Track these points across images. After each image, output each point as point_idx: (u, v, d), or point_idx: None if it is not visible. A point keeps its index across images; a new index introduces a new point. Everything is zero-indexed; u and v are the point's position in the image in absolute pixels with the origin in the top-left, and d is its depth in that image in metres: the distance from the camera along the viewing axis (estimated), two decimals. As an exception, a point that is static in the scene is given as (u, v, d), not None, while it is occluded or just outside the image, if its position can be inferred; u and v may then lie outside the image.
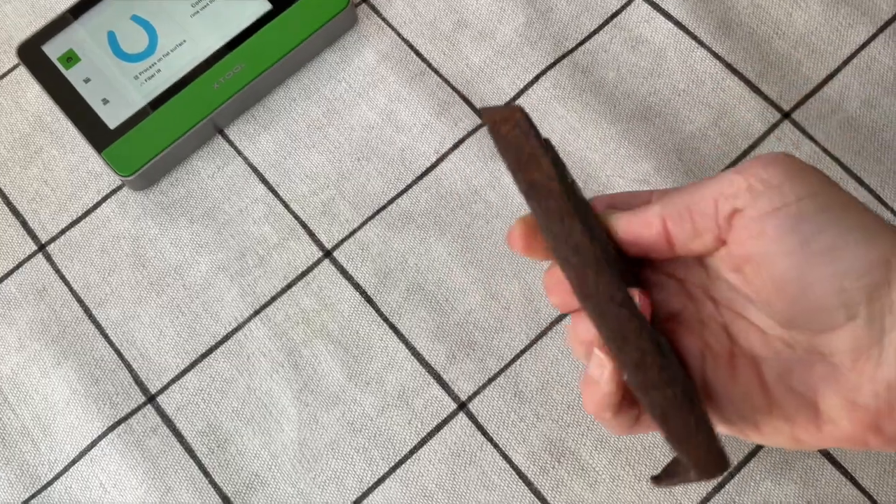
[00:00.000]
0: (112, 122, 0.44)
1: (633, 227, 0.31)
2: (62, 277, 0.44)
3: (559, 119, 0.44)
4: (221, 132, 0.46)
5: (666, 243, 0.31)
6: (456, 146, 0.45)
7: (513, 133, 0.29)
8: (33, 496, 0.41)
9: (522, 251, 0.32)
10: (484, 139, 0.44)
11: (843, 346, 0.28)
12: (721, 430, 0.32)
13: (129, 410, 0.41)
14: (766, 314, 0.30)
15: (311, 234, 0.44)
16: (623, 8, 0.46)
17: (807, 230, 0.28)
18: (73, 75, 0.45)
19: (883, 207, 0.42)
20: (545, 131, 0.44)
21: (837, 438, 0.30)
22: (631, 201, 0.33)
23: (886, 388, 0.28)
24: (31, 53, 0.45)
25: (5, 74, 0.48)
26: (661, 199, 0.31)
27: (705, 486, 0.38)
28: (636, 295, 0.30)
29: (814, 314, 0.28)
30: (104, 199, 0.45)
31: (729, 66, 0.44)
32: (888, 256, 0.28)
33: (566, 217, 0.28)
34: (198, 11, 0.46)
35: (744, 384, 0.31)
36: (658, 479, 0.32)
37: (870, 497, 0.38)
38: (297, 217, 0.44)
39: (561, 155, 0.44)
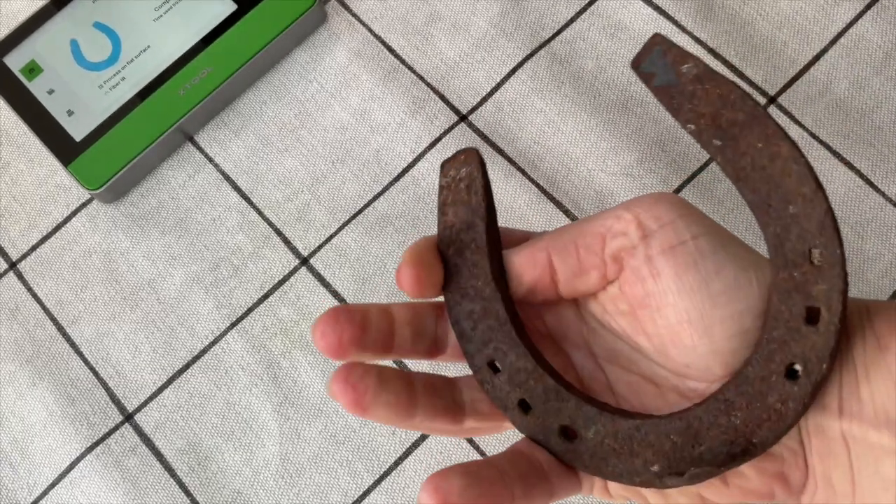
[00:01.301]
0: (77, 134, 0.43)
1: (521, 262, 0.29)
2: (34, 296, 0.43)
3: (538, 113, 0.43)
4: (191, 139, 0.45)
5: (551, 282, 0.28)
6: (433, 145, 0.43)
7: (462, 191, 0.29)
8: (13, 521, 0.40)
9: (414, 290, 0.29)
10: (462, 137, 0.43)
11: (703, 390, 0.27)
12: (617, 499, 0.30)
13: (107, 430, 0.41)
14: (658, 364, 0.28)
15: (287, 242, 0.43)
16: (600, -6, 0.45)
17: (706, 269, 0.26)
18: (36, 87, 0.44)
19: (874, 191, 0.40)
20: (524, 127, 0.43)
21: (745, 492, 0.28)
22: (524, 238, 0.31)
23: (794, 434, 0.27)
24: (-8, 66, 0.44)
25: (-32, 88, 0.47)
26: (549, 234, 0.29)
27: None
28: None
29: (713, 358, 0.27)
30: (74, 213, 0.44)
31: (711, 51, 0.43)
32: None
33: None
34: (161, 15, 0.44)
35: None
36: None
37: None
38: (271, 224, 0.43)
39: (540, 150, 0.43)
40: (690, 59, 0.28)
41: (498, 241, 0.29)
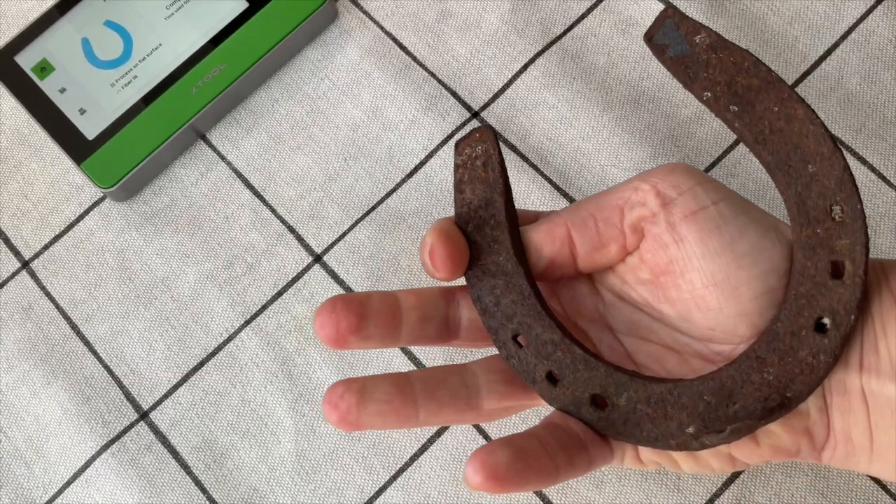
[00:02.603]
0: (90, 132, 0.43)
1: (540, 237, 0.29)
2: (48, 294, 0.43)
3: (550, 109, 0.43)
4: (203, 137, 0.45)
5: (570, 256, 0.29)
6: (445, 141, 0.43)
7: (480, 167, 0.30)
8: (29, 520, 0.40)
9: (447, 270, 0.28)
10: (473, 133, 0.43)
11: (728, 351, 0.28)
12: (649, 466, 0.30)
13: (122, 428, 0.41)
14: (680, 331, 0.29)
15: (300, 239, 0.43)
16: (611, -10, 0.45)
17: (729, 232, 0.27)
18: (47, 86, 0.44)
19: (887, 186, 0.40)
20: (536, 123, 0.43)
21: (775, 449, 0.28)
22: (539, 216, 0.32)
23: (818, 391, 0.27)
24: (4, 65, 0.44)
25: (-21, 87, 0.47)
26: (566, 209, 0.29)
27: (714, 482, 0.37)
28: None
29: (739, 320, 0.27)
30: (86, 211, 0.44)
31: (723, 46, 0.43)
32: (789, 252, 0.28)
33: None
34: (172, 13, 0.44)
35: None
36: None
37: (883, 486, 0.37)
38: (284, 222, 0.43)
39: (553, 146, 0.43)
40: (703, 29, 0.28)
41: (516, 218, 0.30)
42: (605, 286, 0.30)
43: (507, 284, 0.29)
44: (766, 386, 0.27)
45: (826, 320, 0.27)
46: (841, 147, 0.41)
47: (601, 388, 0.28)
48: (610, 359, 0.30)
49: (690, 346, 0.29)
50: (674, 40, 0.28)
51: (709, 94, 0.28)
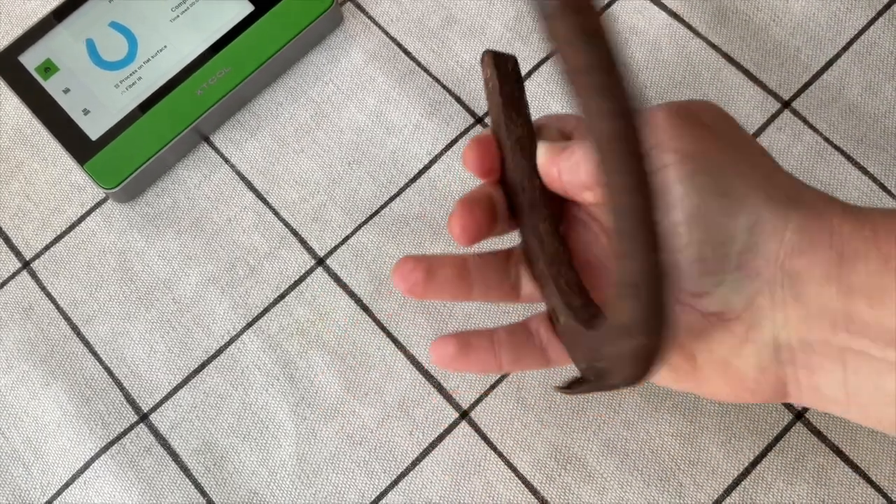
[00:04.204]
0: (93, 133, 0.43)
1: (545, 157, 0.31)
2: (48, 295, 0.43)
3: (554, 115, 0.43)
4: (207, 139, 0.45)
5: (588, 190, 0.30)
6: (449, 147, 0.43)
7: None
8: (26, 522, 0.39)
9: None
10: (477, 138, 0.43)
11: (714, 309, 0.28)
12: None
13: (122, 430, 0.40)
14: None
15: (303, 242, 0.43)
16: (615, -1, 0.45)
17: (667, 201, 0.27)
18: (51, 86, 0.44)
19: (888, 196, 0.41)
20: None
21: (714, 394, 0.30)
22: (564, 127, 0.33)
23: (758, 352, 0.28)
24: (8, 64, 0.44)
25: (-18, 86, 0.46)
26: (566, 150, 0.31)
27: (716, 488, 0.37)
28: None
29: (687, 280, 0.28)
30: (88, 212, 0.44)
31: (726, 56, 0.43)
32: (753, 221, 0.27)
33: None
34: (178, 16, 0.44)
35: None
36: (568, 388, 0.32)
37: (884, 494, 0.37)
38: (287, 225, 0.43)
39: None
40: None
41: (528, 134, 0.32)
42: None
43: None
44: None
45: None
46: (845, 157, 0.41)
47: (553, 306, 0.32)
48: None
49: None
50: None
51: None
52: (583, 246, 0.33)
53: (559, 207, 0.33)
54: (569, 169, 0.30)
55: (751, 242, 0.27)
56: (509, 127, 0.32)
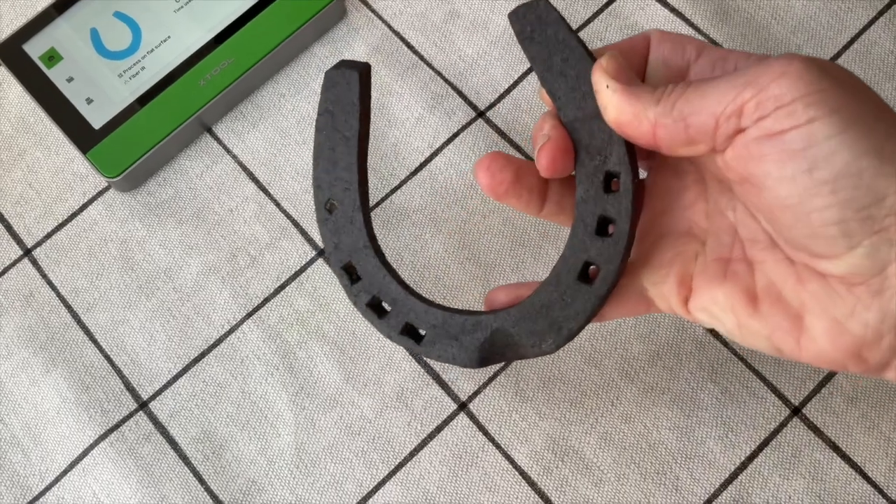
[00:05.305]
0: (97, 121, 0.43)
1: (623, 115, 0.29)
2: (49, 283, 0.43)
3: (555, 110, 0.43)
4: (209, 130, 0.45)
5: (652, 142, 0.29)
6: (450, 140, 0.44)
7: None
8: (24, 508, 0.40)
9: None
10: (479, 133, 0.43)
11: (840, 272, 0.27)
12: (700, 318, 0.31)
13: (121, 418, 0.40)
14: (770, 227, 0.29)
15: (304, 233, 0.43)
16: (618, -5, 0.45)
17: (813, 156, 0.26)
18: (55, 74, 0.44)
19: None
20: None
21: (816, 357, 0.28)
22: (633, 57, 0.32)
23: (881, 319, 0.27)
24: (12, 53, 0.44)
25: (-15, 75, 0.47)
26: (662, 98, 0.29)
27: (712, 482, 0.38)
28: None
29: (813, 240, 0.27)
30: (90, 201, 0.44)
31: (727, 53, 0.43)
32: None
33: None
34: (182, 6, 0.45)
35: (731, 284, 0.30)
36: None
37: (880, 490, 0.37)
38: (288, 216, 0.43)
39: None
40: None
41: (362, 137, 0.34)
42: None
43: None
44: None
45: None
46: None
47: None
48: (715, 223, 0.32)
49: (779, 241, 0.29)
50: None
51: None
52: (677, 191, 0.32)
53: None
54: (672, 124, 0.28)
55: (875, 198, 0.26)
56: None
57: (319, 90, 0.45)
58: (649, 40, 0.32)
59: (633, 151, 0.31)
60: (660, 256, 0.32)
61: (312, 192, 0.36)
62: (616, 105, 0.29)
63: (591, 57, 0.31)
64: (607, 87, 0.29)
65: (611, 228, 0.31)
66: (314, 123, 0.38)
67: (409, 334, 0.33)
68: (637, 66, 0.32)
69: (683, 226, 0.32)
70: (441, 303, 0.41)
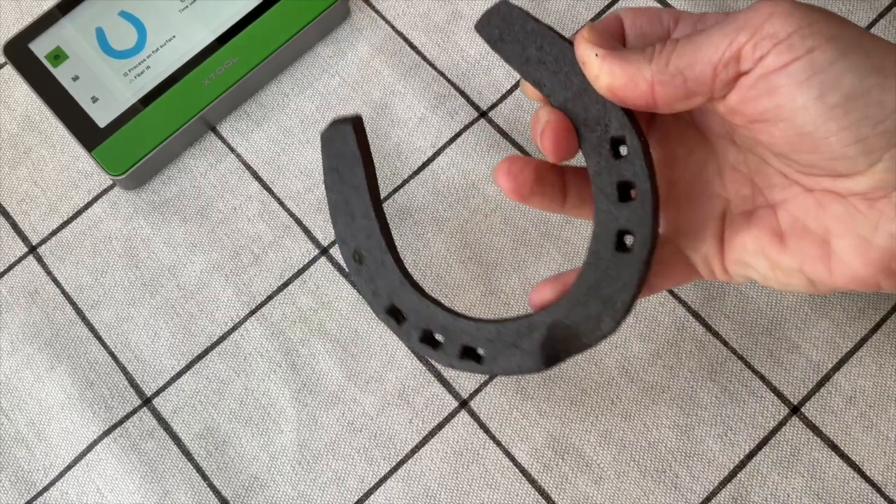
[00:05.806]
0: (102, 120, 0.43)
1: (617, 80, 0.29)
2: (54, 279, 0.43)
3: (557, 110, 0.44)
4: (213, 129, 0.45)
5: (651, 102, 0.29)
6: (452, 140, 0.44)
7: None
8: (29, 502, 0.40)
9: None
10: (482, 133, 0.44)
11: (862, 189, 0.28)
12: (737, 272, 0.32)
13: (125, 414, 0.41)
14: (784, 163, 0.30)
15: (307, 232, 0.43)
16: (620, -4, 0.45)
17: (820, 83, 0.26)
18: (61, 73, 0.44)
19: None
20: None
21: (849, 279, 0.29)
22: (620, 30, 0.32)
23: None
24: (18, 52, 0.45)
25: (-8, 73, 0.47)
26: (654, 56, 0.29)
27: (711, 480, 0.38)
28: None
29: (834, 162, 0.27)
30: (95, 199, 0.44)
31: (728, 54, 0.44)
32: None
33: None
34: (187, 6, 0.45)
35: (756, 229, 0.31)
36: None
37: (878, 489, 0.37)
38: (291, 214, 0.43)
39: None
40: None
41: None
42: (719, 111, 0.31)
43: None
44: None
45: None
46: None
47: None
48: (730, 178, 0.32)
49: (794, 175, 0.30)
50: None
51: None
52: (685, 160, 0.33)
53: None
54: (669, 79, 0.29)
55: (888, 112, 0.27)
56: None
57: (322, 90, 0.45)
58: (621, 20, 0.32)
59: (631, 113, 0.31)
60: (691, 222, 0.33)
61: (339, 250, 0.36)
62: (608, 71, 0.29)
63: (564, 38, 0.31)
64: (596, 55, 0.30)
65: (633, 193, 0.31)
66: (320, 156, 0.38)
67: (469, 356, 0.33)
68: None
69: (701, 188, 0.33)
70: (442, 303, 0.41)
